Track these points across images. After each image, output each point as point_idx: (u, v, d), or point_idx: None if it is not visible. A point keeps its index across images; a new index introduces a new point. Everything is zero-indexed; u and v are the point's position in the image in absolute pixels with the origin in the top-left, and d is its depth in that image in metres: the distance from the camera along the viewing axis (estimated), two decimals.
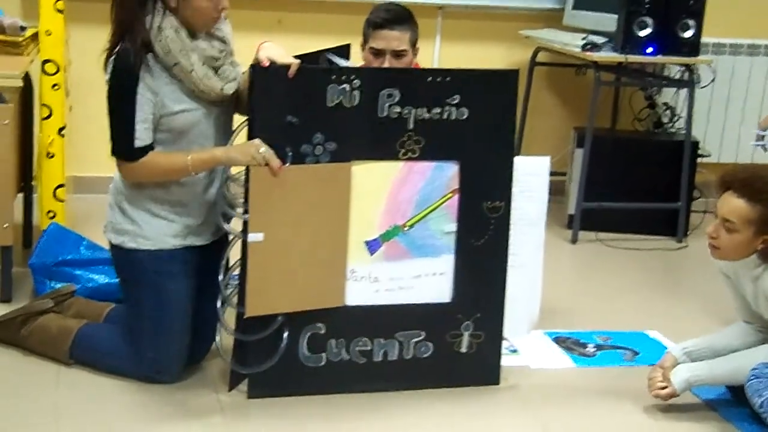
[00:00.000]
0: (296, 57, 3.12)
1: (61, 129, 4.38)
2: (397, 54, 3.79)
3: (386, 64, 3.77)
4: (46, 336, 3.42)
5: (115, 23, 3.13)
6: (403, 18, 3.86)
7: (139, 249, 3.24)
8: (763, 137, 4.42)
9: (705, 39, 5.17)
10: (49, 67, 4.31)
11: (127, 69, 3.07)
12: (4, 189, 3.82)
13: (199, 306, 3.32)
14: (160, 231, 3.24)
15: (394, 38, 3.81)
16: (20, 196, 4.39)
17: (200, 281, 3.32)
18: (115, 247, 3.30)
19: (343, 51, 3.63)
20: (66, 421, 3.07)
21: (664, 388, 3.30)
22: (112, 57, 3.10)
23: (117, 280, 3.46)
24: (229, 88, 3.22)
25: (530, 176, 3.70)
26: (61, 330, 3.41)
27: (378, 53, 3.81)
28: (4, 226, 3.80)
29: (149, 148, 3.13)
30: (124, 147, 3.12)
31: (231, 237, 3.28)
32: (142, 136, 3.11)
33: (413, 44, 3.87)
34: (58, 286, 3.69)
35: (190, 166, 3.15)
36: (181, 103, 3.15)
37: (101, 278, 3.79)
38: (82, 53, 4.53)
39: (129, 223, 3.24)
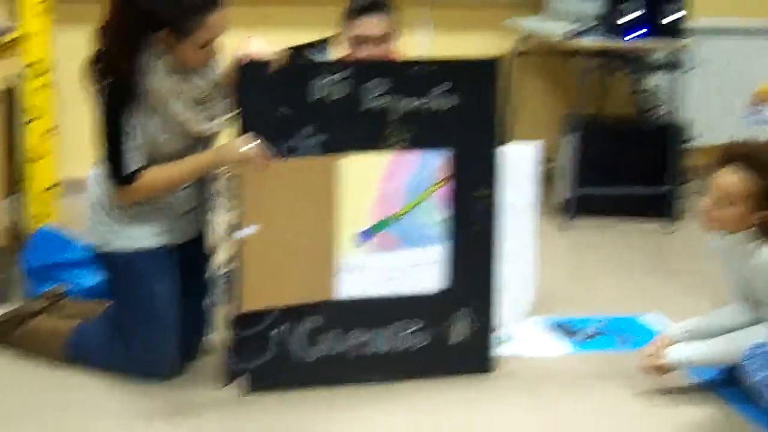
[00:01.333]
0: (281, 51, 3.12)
1: (49, 131, 4.37)
2: (379, 40, 3.78)
3: (368, 52, 3.75)
4: (39, 337, 3.42)
5: (107, 56, 3.07)
6: (381, 4, 3.87)
7: (123, 249, 3.24)
8: (761, 111, 4.37)
9: (691, 23, 5.16)
10: (36, 69, 4.29)
11: (118, 100, 3.07)
12: None
13: (188, 301, 3.31)
14: (141, 230, 3.23)
15: (374, 24, 3.80)
16: (10, 199, 4.38)
17: (186, 277, 3.32)
18: (98, 249, 3.30)
19: (327, 44, 3.63)
20: (61, 420, 3.06)
21: (658, 365, 3.30)
22: (103, 87, 3.08)
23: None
24: (213, 129, 3.23)
25: (519, 163, 3.70)
26: (53, 331, 3.41)
27: (360, 40, 3.78)
28: None
29: (144, 168, 3.12)
30: (120, 171, 3.11)
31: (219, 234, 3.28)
32: (137, 159, 3.10)
33: (392, 32, 3.86)
34: (50, 287, 3.69)
35: (187, 177, 3.19)
36: (166, 134, 3.15)
37: (94, 279, 3.77)
38: (70, 54, 4.51)
39: (110, 224, 3.24)
